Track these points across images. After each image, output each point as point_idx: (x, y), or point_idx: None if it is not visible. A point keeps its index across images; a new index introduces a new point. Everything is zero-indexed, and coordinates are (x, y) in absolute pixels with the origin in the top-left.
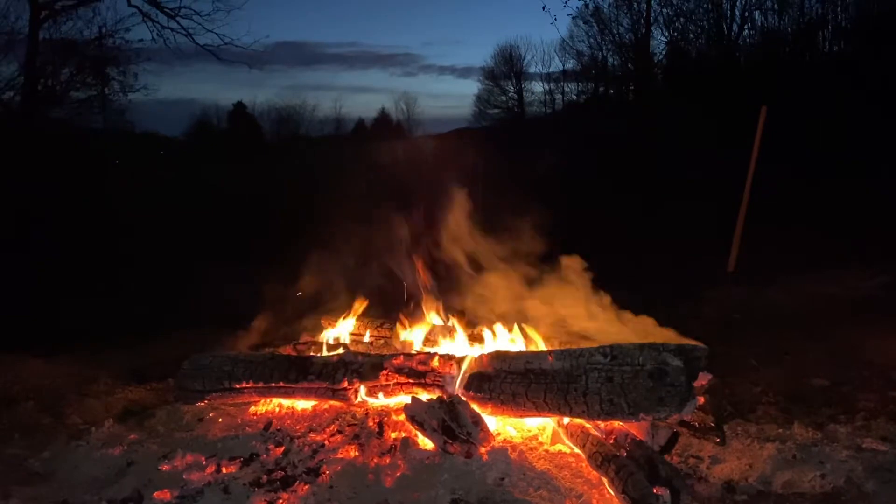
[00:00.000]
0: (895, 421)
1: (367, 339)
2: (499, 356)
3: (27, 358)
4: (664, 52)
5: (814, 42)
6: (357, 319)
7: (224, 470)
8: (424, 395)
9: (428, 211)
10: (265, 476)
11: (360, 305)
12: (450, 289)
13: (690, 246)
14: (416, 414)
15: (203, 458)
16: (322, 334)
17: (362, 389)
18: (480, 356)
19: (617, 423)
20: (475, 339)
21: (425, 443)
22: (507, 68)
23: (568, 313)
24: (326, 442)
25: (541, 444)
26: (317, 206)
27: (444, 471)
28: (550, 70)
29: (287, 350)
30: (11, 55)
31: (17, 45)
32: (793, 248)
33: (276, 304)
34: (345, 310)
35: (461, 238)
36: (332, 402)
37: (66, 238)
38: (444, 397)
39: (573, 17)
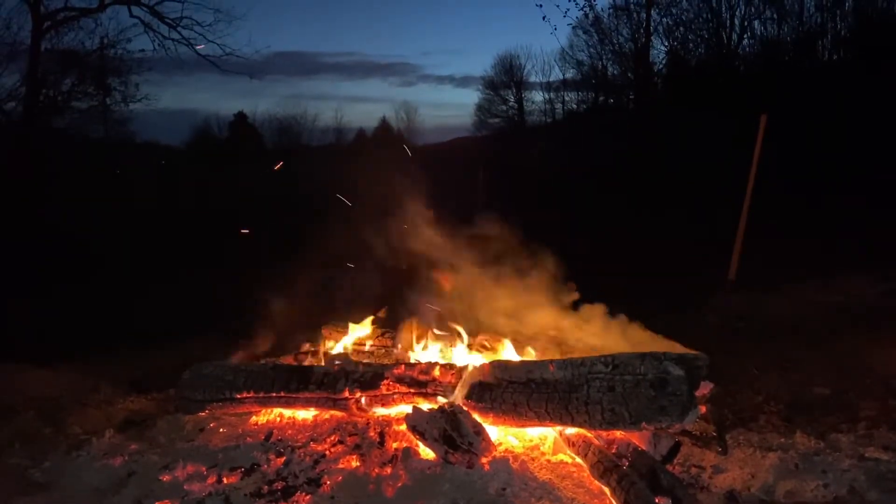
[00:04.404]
0: None
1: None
2: (500, 366)
3: (28, 368)
4: (664, 62)
5: (813, 51)
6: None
7: (225, 480)
8: (426, 405)
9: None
10: (266, 487)
11: (372, 316)
12: (448, 299)
13: (691, 254)
14: (417, 424)
15: (204, 469)
16: (328, 343)
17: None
18: (482, 365)
19: (619, 433)
20: (476, 348)
21: (427, 453)
22: (507, 77)
23: (568, 323)
24: (327, 452)
25: (542, 453)
26: (317, 213)
27: (445, 481)
28: (550, 79)
29: (288, 360)
30: (13, 65)
31: (19, 55)
32: (794, 256)
33: (277, 314)
34: (346, 319)
35: (460, 248)
36: (334, 412)
37: (65, 246)
38: (446, 407)
39: (573, 27)
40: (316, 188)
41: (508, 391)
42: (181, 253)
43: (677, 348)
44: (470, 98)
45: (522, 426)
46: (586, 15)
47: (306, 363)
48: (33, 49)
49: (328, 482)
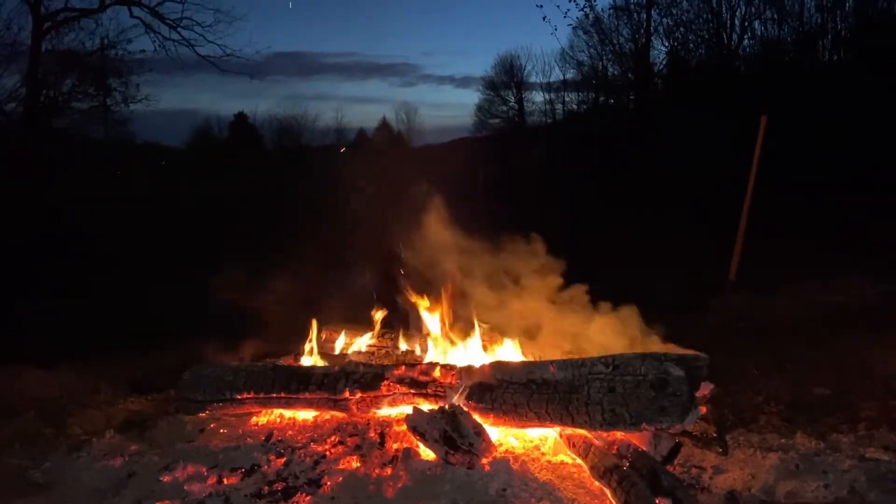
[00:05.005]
0: None
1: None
2: (501, 366)
3: (28, 368)
4: (664, 62)
5: (813, 51)
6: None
7: (225, 481)
8: (426, 406)
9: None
10: (266, 487)
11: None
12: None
13: (692, 254)
14: (417, 424)
15: (204, 469)
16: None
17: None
18: (482, 366)
19: (619, 434)
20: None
21: (427, 453)
22: (507, 78)
23: (569, 324)
24: (328, 453)
25: (543, 454)
26: (318, 214)
27: (445, 482)
28: (551, 80)
29: (288, 361)
30: (14, 66)
31: (19, 56)
32: (794, 257)
33: (277, 314)
34: (346, 320)
35: (459, 248)
36: (334, 413)
37: (65, 246)
38: (446, 408)
39: (573, 28)
40: (316, 188)
41: (509, 392)
42: (181, 253)
43: (677, 349)
44: (470, 98)
45: (523, 427)
46: (586, 15)
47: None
48: (34, 50)
49: (328, 483)
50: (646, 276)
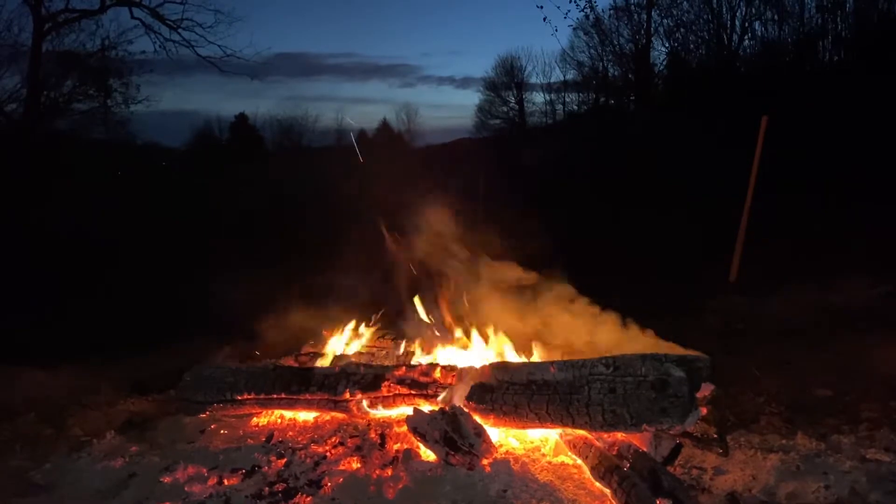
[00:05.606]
0: None
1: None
2: (501, 367)
3: (28, 369)
4: (665, 63)
5: (814, 52)
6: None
7: (226, 482)
8: (426, 407)
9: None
10: (267, 488)
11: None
12: (448, 301)
13: (692, 256)
14: (418, 425)
15: (205, 470)
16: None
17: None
18: (483, 367)
19: (620, 435)
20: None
21: (427, 454)
22: (507, 79)
23: (569, 326)
24: (328, 454)
25: (543, 455)
26: (317, 216)
27: (446, 483)
28: (551, 80)
29: (289, 361)
30: (14, 67)
31: (20, 57)
32: (794, 259)
33: (277, 315)
34: (346, 321)
35: (459, 250)
36: (334, 414)
37: (66, 247)
38: (446, 408)
39: (574, 28)
40: (317, 190)
41: (509, 393)
42: (182, 254)
43: (678, 349)
44: (470, 99)
45: (523, 428)
46: (587, 16)
47: (307, 365)
48: (34, 51)
49: (329, 484)
50: (646, 277)
